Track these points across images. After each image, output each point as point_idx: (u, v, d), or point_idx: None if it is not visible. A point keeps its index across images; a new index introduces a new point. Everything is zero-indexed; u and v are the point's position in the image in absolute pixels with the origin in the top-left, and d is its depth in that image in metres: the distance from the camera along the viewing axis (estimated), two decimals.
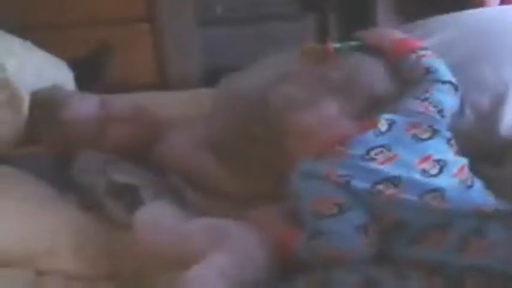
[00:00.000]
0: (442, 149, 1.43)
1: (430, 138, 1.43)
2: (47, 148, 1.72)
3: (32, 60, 1.93)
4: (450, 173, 1.38)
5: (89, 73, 2.29)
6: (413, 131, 1.43)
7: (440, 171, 1.38)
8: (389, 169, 1.36)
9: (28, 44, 1.99)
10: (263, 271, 1.32)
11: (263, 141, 1.60)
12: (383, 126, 1.44)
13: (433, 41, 1.65)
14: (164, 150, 1.72)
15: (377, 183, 1.34)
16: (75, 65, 2.13)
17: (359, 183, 1.34)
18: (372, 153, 1.39)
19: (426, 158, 1.39)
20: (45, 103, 1.76)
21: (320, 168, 1.38)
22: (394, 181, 1.34)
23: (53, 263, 1.45)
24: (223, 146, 1.71)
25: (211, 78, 2.42)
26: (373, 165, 1.37)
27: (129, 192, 1.59)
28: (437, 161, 1.39)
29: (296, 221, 1.41)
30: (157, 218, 1.44)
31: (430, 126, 1.44)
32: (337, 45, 1.64)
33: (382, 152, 1.39)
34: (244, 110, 1.67)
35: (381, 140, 1.41)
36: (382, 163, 1.37)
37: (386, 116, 1.45)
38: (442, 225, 1.31)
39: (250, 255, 1.33)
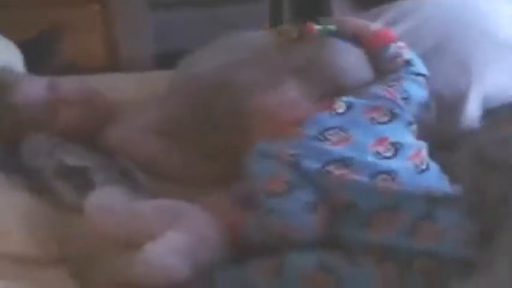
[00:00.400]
0: (400, 132, 1.44)
1: (388, 121, 1.44)
2: None
3: None
4: (405, 156, 1.39)
5: (39, 55, 2.26)
6: (372, 114, 1.44)
7: (395, 154, 1.39)
8: (342, 150, 1.37)
9: None
10: (217, 252, 1.33)
11: (221, 124, 1.59)
12: (340, 108, 1.45)
13: (396, 31, 1.65)
14: (113, 135, 1.70)
15: (328, 163, 1.35)
16: (24, 47, 2.09)
17: (309, 163, 1.35)
18: (326, 134, 1.40)
19: (381, 140, 1.40)
20: None
21: (274, 148, 1.39)
22: (346, 162, 1.36)
23: (1, 246, 1.42)
24: (180, 130, 1.70)
25: (163, 62, 2.41)
26: (325, 145, 1.38)
27: (79, 175, 1.57)
28: (393, 143, 1.40)
29: (247, 205, 1.42)
30: (109, 201, 1.43)
31: (389, 110, 1.45)
32: (316, 27, 1.63)
33: (337, 133, 1.40)
34: (202, 92, 1.66)
35: (336, 121, 1.42)
36: (335, 144, 1.38)
37: (345, 98, 1.46)
38: (392, 208, 1.32)
39: (203, 235, 1.33)
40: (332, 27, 1.64)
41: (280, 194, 1.34)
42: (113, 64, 2.57)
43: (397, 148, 1.40)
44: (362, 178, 1.34)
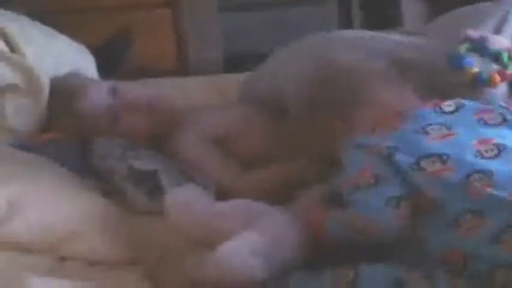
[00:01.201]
0: (508, 137, 1.37)
1: (497, 125, 1.39)
2: (67, 135, 1.72)
3: (53, 47, 1.92)
4: (507, 159, 1.32)
5: (109, 59, 2.28)
6: (482, 115, 1.40)
7: (498, 154, 1.32)
8: (440, 145, 1.33)
9: (49, 30, 1.98)
10: (292, 256, 1.32)
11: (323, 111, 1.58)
12: (448, 107, 1.41)
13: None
14: (176, 146, 1.71)
15: (422, 157, 1.31)
16: (95, 51, 2.12)
17: (403, 157, 1.32)
18: (428, 128, 1.36)
19: (485, 141, 1.34)
20: (61, 91, 1.76)
21: (371, 140, 1.37)
22: (441, 158, 1.31)
23: (75, 248, 1.44)
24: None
25: (232, 64, 2.42)
26: (423, 139, 1.34)
27: (150, 179, 1.59)
28: (497, 144, 1.33)
29: (333, 203, 1.40)
30: (189, 199, 1.43)
31: (501, 115, 1.40)
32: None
33: (439, 129, 1.36)
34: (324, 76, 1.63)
35: (441, 119, 1.38)
36: (434, 139, 1.34)
37: (455, 100, 1.43)
38: (481, 211, 1.26)
39: (280, 238, 1.32)
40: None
41: (365, 187, 1.32)
42: (182, 67, 2.58)
43: (500, 149, 1.33)
44: (456, 176, 1.28)
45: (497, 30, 1.68)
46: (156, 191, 1.57)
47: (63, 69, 1.87)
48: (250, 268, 1.27)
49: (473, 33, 1.59)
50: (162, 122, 1.74)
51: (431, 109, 1.41)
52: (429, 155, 1.31)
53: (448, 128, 1.36)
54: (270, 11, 2.82)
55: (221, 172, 1.65)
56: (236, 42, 2.67)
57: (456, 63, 1.54)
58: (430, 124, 1.37)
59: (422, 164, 1.31)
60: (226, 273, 1.27)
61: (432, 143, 1.34)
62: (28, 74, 1.75)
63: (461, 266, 1.25)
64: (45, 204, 1.47)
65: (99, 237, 1.45)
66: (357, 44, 1.74)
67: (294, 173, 1.62)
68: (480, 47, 1.56)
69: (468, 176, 1.28)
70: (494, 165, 1.29)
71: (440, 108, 1.42)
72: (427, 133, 1.35)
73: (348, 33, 1.92)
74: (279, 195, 1.53)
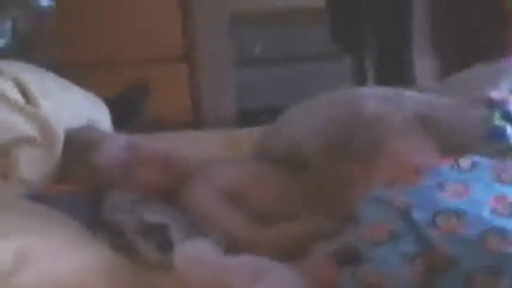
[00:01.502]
0: None
1: None
2: (81, 186, 1.73)
3: (70, 99, 1.94)
4: None
5: (126, 112, 2.30)
6: (499, 172, 1.39)
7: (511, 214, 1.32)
8: (456, 202, 1.32)
9: (66, 82, 2.01)
10: None
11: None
12: (464, 163, 1.41)
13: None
14: (188, 198, 1.71)
15: (438, 213, 1.30)
16: (112, 103, 2.14)
17: (419, 213, 1.31)
18: (444, 185, 1.36)
19: (501, 198, 1.33)
20: (76, 143, 1.77)
21: (389, 194, 1.36)
22: (458, 214, 1.30)
23: None
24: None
25: (246, 118, 2.43)
26: (439, 195, 1.33)
27: (160, 232, 1.59)
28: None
29: (344, 262, 1.39)
30: (199, 253, 1.44)
31: None
32: None
33: (456, 185, 1.35)
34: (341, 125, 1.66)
35: (457, 176, 1.38)
36: (451, 195, 1.33)
37: (472, 156, 1.43)
38: (496, 271, 1.25)
39: None
40: None
41: (381, 242, 1.31)
42: (198, 120, 2.60)
43: None
44: (472, 233, 1.27)
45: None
46: (166, 245, 1.57)
47: (79, 122, 1.88)
48: None
49: (496, 95, 1.60)
50: (176, 177, 1.74)
51: (449, 165, 1.40)
52: (445, 211, 1.30)
53: (465, 185, 1.35)
54: (284, 66, 2.84)
55: (234, 225, 1.64)
56: (250, 97, 2.68)
57: (497, 135, 1.56)
58: (447, 181, 1.36)
59: (438, 220, 1.30)
60: None
61: (448, 199, 1.33)
62: (43, 125, 1.76)
63: None
64: (55, 256, 1.46)
65: None
66: (385, 98, 1.75)
67: (311, 229, 1.60)
68: (507, 113, 1.58)
69: (484, 233, 1.27)
70: (510, 224, 1.28)
71: (458, 165, 1.41)
72: (443, 190, 1.34)
73: (371, 89, 1.93)
74: (294, 251, 1.52)
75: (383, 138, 1.53)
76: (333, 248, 1.46)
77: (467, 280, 1.25)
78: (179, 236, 1.57)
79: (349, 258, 1.39)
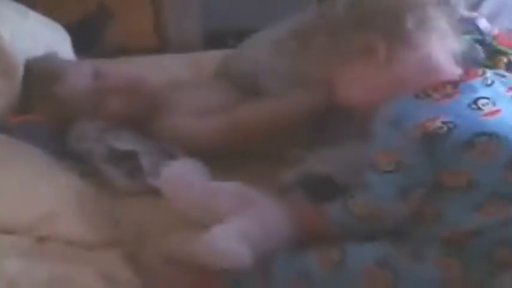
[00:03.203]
0: None
1: None
2: (47, 119, 1.70)
3: (28, 26, 1.89)
4: None
5: (87, 37, 2.25)
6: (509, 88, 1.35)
7: None
8: (494, 123, 1.27)
9: (22, 7, 1.95)
10: (282, 244, 1.31)
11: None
12: (489, 79, 1.35)
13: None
14: (166, 125, 1.68)
15: (477, 135, 1.25)
16: (72, 29, 2.09)
17: (460, 134, 1.24)
18: (479, 103, 1.29)
19: None
20: (39, 75, 1.73)
21: (419, 112, 1.26)
22: (494, 136, 1.25)
23: (53, 229, 1.42)
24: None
25: (211, 41, 2.40)
26: (479, 115, 1.27)
27: (128, 160, 1.57)
28: None
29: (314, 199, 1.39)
30: (186, 174, 1.42)
31: None
32: None
33: (487, 103, 1.29)
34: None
35: (487, 92, 1.32)
36: (487, 115, 1.28)
37: (490, 71, 1.37)
38: (507, 196, 1.23)
39: (271, 226, 1.32)
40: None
41: (382, 171, 1.27)
42: (162, 45, 2.56)
43: None
44: (502, 157, 1.24)
45: None
46: (135, 171, 1.56)
47: (39, 48, 1.83)
48: (237, 254, 1.27)
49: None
50: (144, 103, 1.71)
51: (479, 80, 1.34)
52: (483, 133, 1.25)
53: (494, 103, 1.30)
54: None
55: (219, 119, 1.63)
56: (217, 19, 2.64)
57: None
58: (479, 98, 1.29)
59: (477, 141, 1.24)
60: (215, 256, 1.27)
61: (486, 119, 1.27)
62: (1, 54, 1.71)
63: (462, 246, 1.23)
64: (22, 185, 1.45)
65: (77, 218, 1.43)
66: None
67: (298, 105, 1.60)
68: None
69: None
70: None
71: (486, 78, 1.34)
72: (479, 108, 1.28)
73: None
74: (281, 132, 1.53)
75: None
76: (297, 177, 1.46)
77: (478, 204, 1.23)
78: (148, 163, 1.56)
79: (316, 186, 1.40)
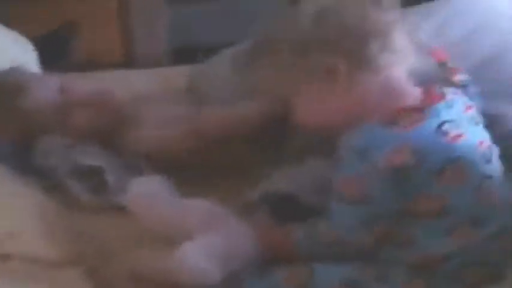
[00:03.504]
0: (487, 136, 1.33)
1: (479, 123, 1.33)
2: (5, 134, 1.67)
3: None
4: (497, 161, 1.30)
5: (54, 51, 2.24)
6: (469, 112, 1.32)
7: (490, 158, 1.29)
8: (459, 148, 1.25)
9: None
10: (247, 262, 1.31)
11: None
12: (450, 100, 1.30)
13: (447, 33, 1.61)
14: (133, 138, 1.67)
15: (447, 161, 1.23)
16: (39, 43, 2.07)
17: (431, 162, 1.22)
18: (444, 128, 1.25)
19: (482, 142, 1.29)
20: (2, 88, 1.70)
21: (386, 141, 1.22)
22: (460, 162, 1.24)
23: (15, 246, 1.38)
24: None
25: (180, 57, 2.39)
26: (446, 141, 1.24)
27: (93, 175, 1.56)
28: (490, 146, 1.30)
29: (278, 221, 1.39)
30: (152, 190, 1.41)
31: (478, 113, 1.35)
32: None
33: (452, 127, 1.26)
34: None
35: (450, 114, 1.28)
36: (452, 139, 1.25)
37: (450, 90, 1.34)
38: (477, 219, 1.24)
39: (239, 244, 1.31)
40: None
41: (348, 202, 1.25)
42: (129, 60, 2.55)
43: (492, 152, 1.30)
44: (472, 183, 1.24)
45: None
46: (100, 187, 1.55)
47: (6, 62, 1.80)
48: (209, 271, 1.27)
49: None
50: (111, 118, 1.70)
51: (442, 103, 1.29)
52: (452, 160, 1.23)
53: (457, 126, 1.27)
54: (220, 1, 2.79)
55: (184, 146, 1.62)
56: (184, 34, 2.63)
57: None
58: (444, 122, 1.26)
59: (447, 168, 1.23)
60: (186, 273, 1.26)
61: (453, 144, 1.25)
62: None
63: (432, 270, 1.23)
64: None
65: (39, 235, 1.41)
66: None
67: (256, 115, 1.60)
68: None
69: (479, 182, 1.25)
70: (492, 171, 1.27)
71: (447, 100, 1.30)
72: (445, 134, 1.25)
73: None
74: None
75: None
76: (262, 194, 1.45)
77: (450, 229, 1.23)
78: (114, 179, 1.55)
79: (280, 204, 1.39)
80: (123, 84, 1.97)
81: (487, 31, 1.67)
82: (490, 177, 1.26)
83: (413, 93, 1.30)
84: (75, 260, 1.39)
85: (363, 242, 1.26)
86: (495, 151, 1.31)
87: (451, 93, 1.32)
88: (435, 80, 1.39)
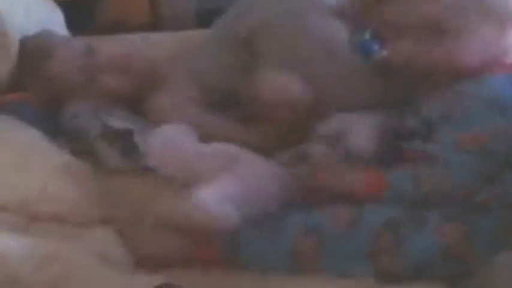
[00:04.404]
0: None
1: None
2: (34, 98, 1.68)
3: (22, 1, 1.87)
4: None
5: (81, 14, 2.24)
6: None
7: None
8: None
9: None
10: (270, 203, 1.33)
11: None
12: None
13: None
14: (156, 104, 1.68)
15: None
16: (65, 6, 2.07)
17: None
18: None
19: None
20: (30, 52, 1.71)
21: None
22: None
23: (46, 208, 1.42)
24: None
25: (205, 19, 2.38)
26: None
27: (124, 138, 1.56)
28: None
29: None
30: (172, 138, 1.43)
31: None
32: None
33: None
34: None
35: None
36: None
37: None
38: None
39: (262, 186, 1.33)
40: None
41: (465, 151, 1.29)
42: (156, 22, 2.55)
43: None
44: None
45: None
46: (129, 150, 1.55)
47: (32, 25, 1.81)
48: (222, 215, 1.28)
49: None
50: (139, 80, 1.70)
51: None
52: None
53: None
54: None
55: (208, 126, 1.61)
56: None
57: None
58: None
59: None
60: (200, 218, 1.28)
61: None
62: None
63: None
64: (14, 162, 1.45)
65: (69, 195, 1.43)
66: None
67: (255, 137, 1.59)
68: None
69: None
70: None
71: None
72: None
73: None
74: None
75: None
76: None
77: None
78: (143, 142, 1.54)
79: None
80: (150, 46, 1.98)
81: None
82: None
83: None
84: (105, 220, 1.42)
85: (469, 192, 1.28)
86: None
87: None
88: None
